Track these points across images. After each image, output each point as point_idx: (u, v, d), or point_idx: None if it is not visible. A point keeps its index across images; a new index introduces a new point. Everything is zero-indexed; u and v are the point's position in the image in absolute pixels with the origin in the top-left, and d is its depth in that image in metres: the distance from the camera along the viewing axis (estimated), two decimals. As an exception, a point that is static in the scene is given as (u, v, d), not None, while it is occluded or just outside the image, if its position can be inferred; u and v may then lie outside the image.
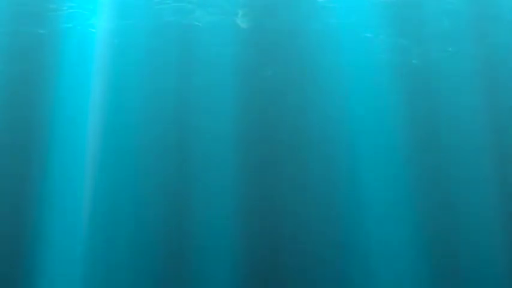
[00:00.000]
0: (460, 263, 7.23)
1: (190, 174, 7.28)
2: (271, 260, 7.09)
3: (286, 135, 7.51)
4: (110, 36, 7.62)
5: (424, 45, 7.86)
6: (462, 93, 7.74)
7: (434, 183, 7.44)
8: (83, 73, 7.54)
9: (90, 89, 7.47)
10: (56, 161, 7.26)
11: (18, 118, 7.37)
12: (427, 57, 7.83)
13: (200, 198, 7.22)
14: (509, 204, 7.50)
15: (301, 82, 7.69)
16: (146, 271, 6.94)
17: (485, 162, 7.56)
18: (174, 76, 7.60)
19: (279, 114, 7.56)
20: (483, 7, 8.04)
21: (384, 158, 7.47)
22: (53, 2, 7.68)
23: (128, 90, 7.49)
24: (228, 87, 7.61)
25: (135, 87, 7.52)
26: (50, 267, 6.93)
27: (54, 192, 7.15)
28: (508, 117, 7.75)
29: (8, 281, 6.83)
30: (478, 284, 7.17)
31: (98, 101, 7.42)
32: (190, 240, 7.08)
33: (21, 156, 7.23)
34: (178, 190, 7.22)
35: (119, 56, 7.57)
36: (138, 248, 6.98)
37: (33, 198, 7.10)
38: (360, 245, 7.22)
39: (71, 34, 7.66)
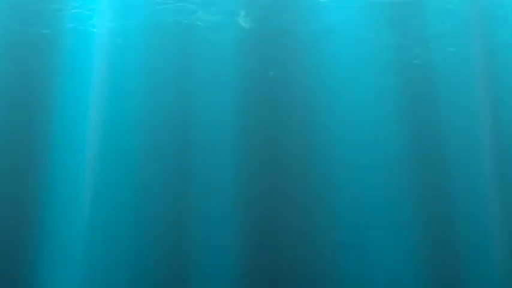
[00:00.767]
0: (460, 263, 7.22)
1: (191, 175, 7.29)
2: (273, 260, 7.10)
3: (289, 135, 7.51)
4: (113, 36, 7.64)
5: (426, 45, 7.85)
6: (463, 93, 7.73)
7: (434, 183, 7.44)
8: (86, 73, 7.57)
9: (93, 89, 7.50)
10: (57, 160, 7.29)
11: (22, 118, 7.40)
12: (429, 57, 7.82)
13: (201, 199, 7.24)
14: (510, 204, 7.49)
15: (303, 82, 7.69)
16: (146, 271, 6.96)
17: (486, 162, 7.55)
18: (176, 76, 7.61)
19: (281, 115, 7.56)
20: (485, 7, 8.02)
21: (384, 158, 7.47)
22: (57, 2, 7.72)
23: (130, 90, 7.51)
24: (230, 87, 7.62)
25: (138, 86, 7.54)
26: (50, 267, 6.97)
27: (54, 192, 7.18)
28: (509, 117, 7.74)
29: (8, 280, 6.86)
30: (478, 284, 7.16)
31: (100, 100, 7.44)
32: (190, 240, 7.10)
33: (21, 156, 7.27)
34: (179, 190, 7.23)
35: (121, 56, 7.59)
36: (138, 248, 7.00)
37: (33, 198, 7.14)
38: (360, 245, 7.23)
39: (74, 34, 7.68)
